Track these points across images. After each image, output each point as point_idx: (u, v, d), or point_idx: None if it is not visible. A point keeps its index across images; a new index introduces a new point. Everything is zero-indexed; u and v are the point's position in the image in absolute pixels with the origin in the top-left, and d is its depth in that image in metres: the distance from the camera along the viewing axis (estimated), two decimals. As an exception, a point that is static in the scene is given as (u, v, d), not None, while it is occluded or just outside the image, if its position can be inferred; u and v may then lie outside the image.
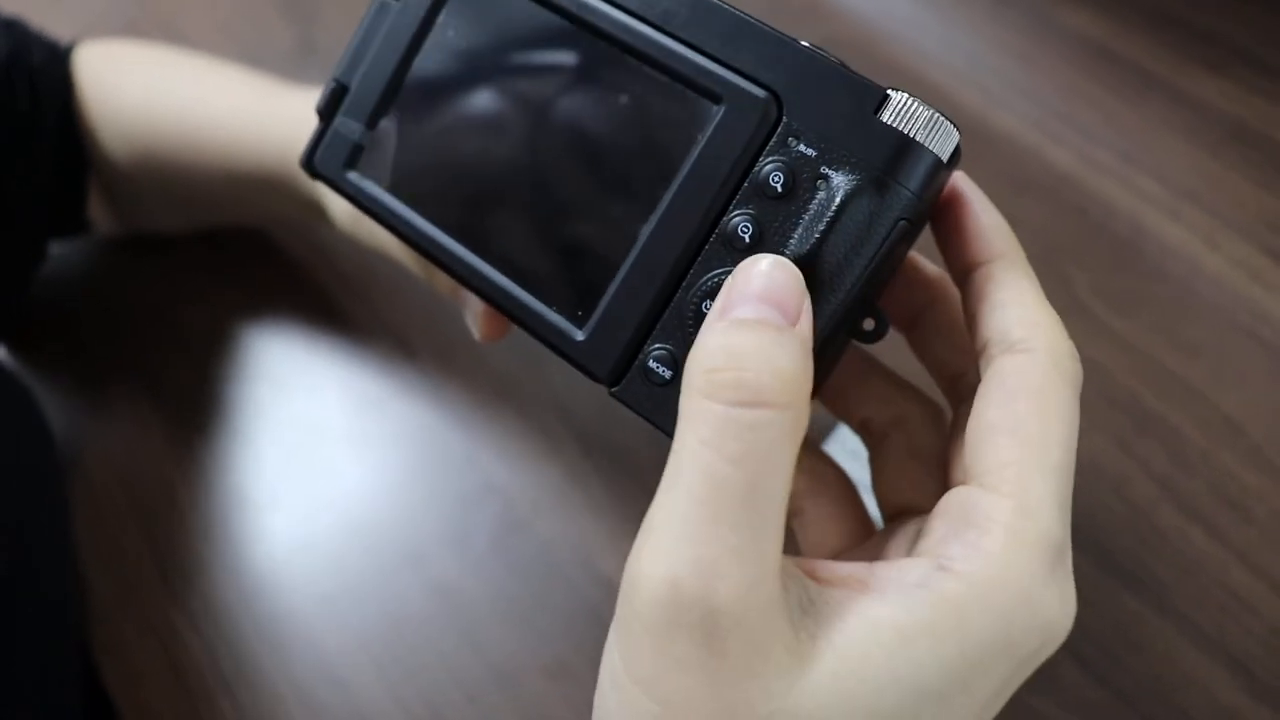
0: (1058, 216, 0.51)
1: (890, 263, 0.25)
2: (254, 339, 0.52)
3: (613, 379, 0.27)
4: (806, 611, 0.22)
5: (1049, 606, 0.21)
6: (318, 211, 0.44)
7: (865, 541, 0.30)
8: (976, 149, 0.52)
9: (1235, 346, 0.46)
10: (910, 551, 0.24)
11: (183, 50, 0.52)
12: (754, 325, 0.22)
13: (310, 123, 0.32)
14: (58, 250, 0.55)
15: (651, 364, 0.26)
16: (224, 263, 0.55)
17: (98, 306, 0.54)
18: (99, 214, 0.52)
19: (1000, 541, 0.21)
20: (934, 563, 0.22)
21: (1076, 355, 0.24)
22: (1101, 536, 0.42)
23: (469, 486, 0.47)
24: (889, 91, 0.24)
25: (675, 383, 0.25)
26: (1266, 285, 0.48)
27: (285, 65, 0.61)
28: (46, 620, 0.40)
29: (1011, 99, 0.56)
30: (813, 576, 0.23)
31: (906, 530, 0.27)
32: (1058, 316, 0.25)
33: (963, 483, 0.24)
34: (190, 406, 0.50)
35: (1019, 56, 0.58)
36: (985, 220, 0.26)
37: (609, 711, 0.22)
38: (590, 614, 0.43)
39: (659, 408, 0.26)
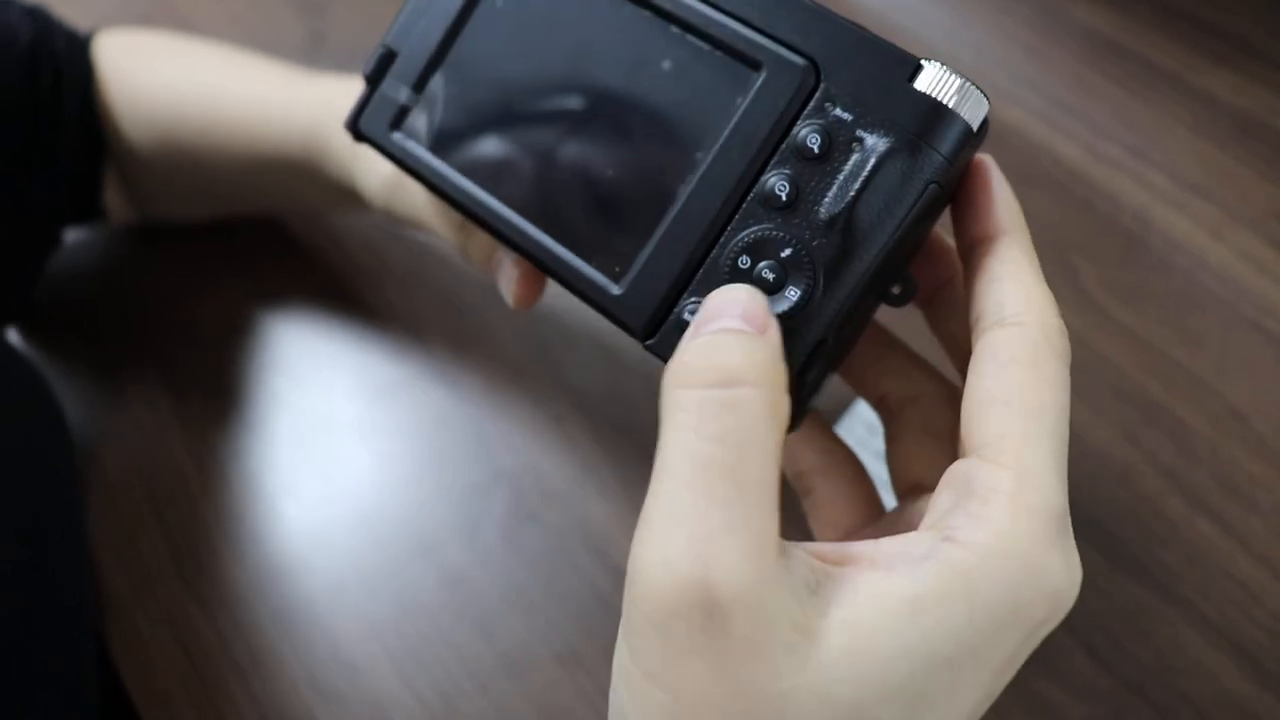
0: (1066, 209, 0.51)
1: (920, 227, 0.25)
2: (267, 328, 0.52)
3: (647, 332, 0.27)
4: (815, 591, 0.22)
5: (1055, 573, 0.22)
6: (344, 193, 0.44)
7: (876, 520, 0.30)
8: (986, 142, 0.52)
9: (1241, 338, 0.46)
10: (918, 527, 0.24)
11: (201, 39, 0.52)
12: (725, 330, 0.23)
13: (336, 106, 0.33)
14: (73, 239, 0.55)
15: (687, 317, 0.26)
16: (237, 252, 0.55)
17: (112, 296, 0.54)
18: (115, 202, 0.52)
19: (1004, 510, 0.22)
20: (939, 534, 0.22)
21: (1065, 332, 0.25)
22: (1110, 526, 0.42)
23: (480, 475, 0.47)
24: (923, 61, 0.25)
25: None
26: (1273, 277, 0.48)
27: (296, 57, 0.61)
28: (64, 612, 0.41)
29: (1021, 92, 0.56)
30: (820, 558, 0.23)
31: (917, 507, 0.28)
32: (1052, 295, 0.25)
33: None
34: (204, 396, 0.50)
35: (1028, 50, 0.58)
36: (997, 197, 0.26)
37: (622, 707, 0.22)
38: (601, 603, 0.43)
39: None
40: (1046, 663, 0.39)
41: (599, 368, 0.49)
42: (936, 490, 0.24)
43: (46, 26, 0.48)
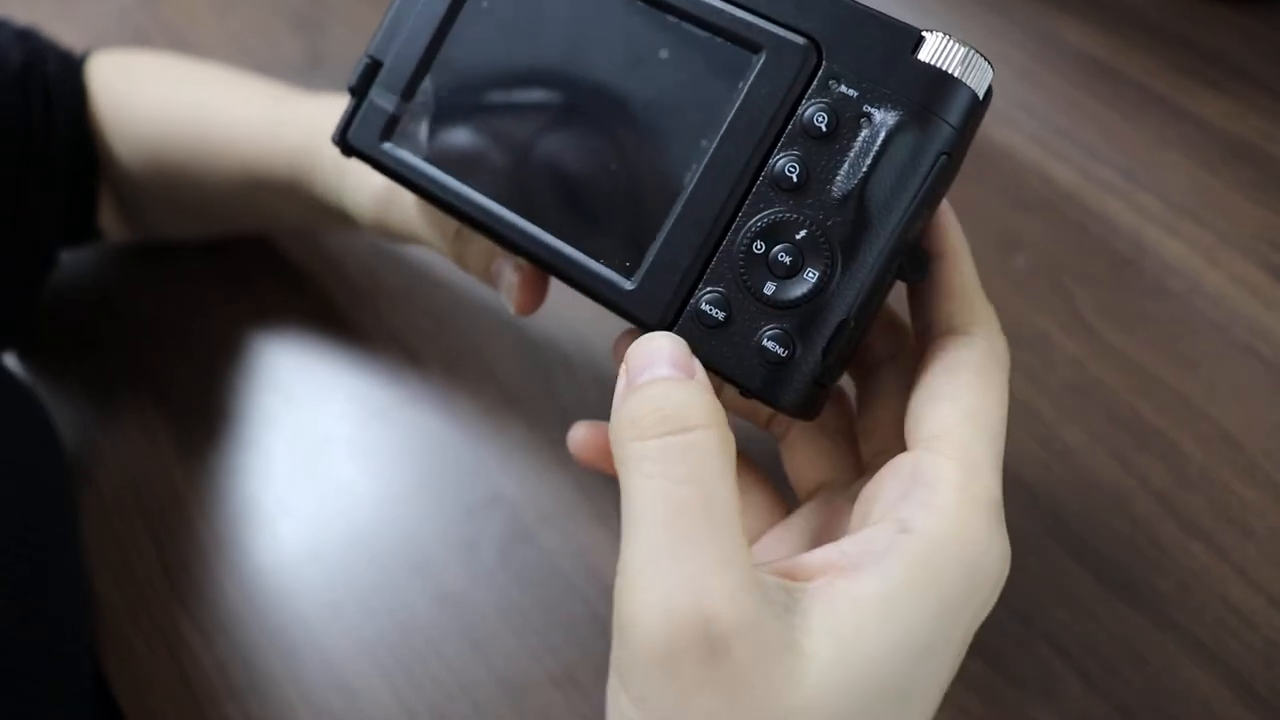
0: (1059, 233, 0.52)
1: (932, 200, 0.25)
2: (262, 348, 0.52)
3: (664, 326, 0.27)
4: (791, 610, 0.23)
5: (997, 557, 0.24)
6: (333, 214, 0.44)
7: (852, 483, 0.32)
8: (979, 165, 0.52)
9: (1234, 362, 0.47)
10: (854, 513, 0.26)
11: (195, 59, 0.52)
12: (659, 380, 0.24)
13: (323, 127, 0.32)
14: (68, 258, 0.55)
15: (705, 307, 0.26)
16: (232, 272, 0.55)
17: (106, 315, 0.54)
18: (110, 222, 0.52)
19: (953, 498, 0.23)
20: (895, 526, 0.23)
21: (1006, 344, 0.27)
22: (1103, 550, 0.42)
23: (476, 496, 0.47)
24: (924, 33, 0.25)
25: (729, 324, 0.26)
26: (1265, 302, 0.48)
27: (293, 77, 0.61)
28: (58, 629, 0.40)
29: (1014, 115, 0.56)
30: (788, 577, 0.24)
31: (829, 506, 0.30)
32: (994, 309, 0.27)
33: (883, 452, 0.26)
34: (198, 415, 0.50)
35: (1020, 72, 0.58)
36: (944, 217, 0.28)
37: None
38: (597, 624, 0.43)
39: (714, 350, 0.26)
40: (1041, 689, 0.39)
41: (595, 391, 0.49)
42: (880, 479, 0.25)
43: (38, 49, 0.48)
